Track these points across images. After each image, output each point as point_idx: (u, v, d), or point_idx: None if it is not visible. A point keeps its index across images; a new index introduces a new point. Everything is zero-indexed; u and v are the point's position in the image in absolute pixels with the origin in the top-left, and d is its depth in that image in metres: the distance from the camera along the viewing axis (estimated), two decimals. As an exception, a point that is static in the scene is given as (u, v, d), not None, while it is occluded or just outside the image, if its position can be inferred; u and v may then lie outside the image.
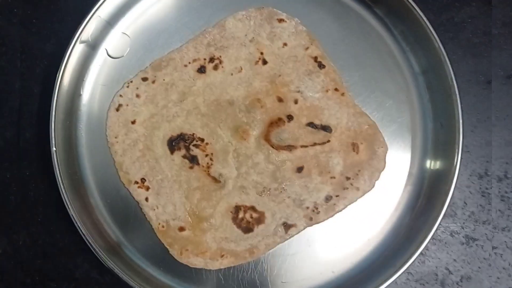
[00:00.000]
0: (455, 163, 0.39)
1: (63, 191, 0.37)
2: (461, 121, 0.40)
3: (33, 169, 0.40)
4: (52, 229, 0.40)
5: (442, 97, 0.42)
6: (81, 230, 0.36)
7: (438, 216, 0.39)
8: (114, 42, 0.42)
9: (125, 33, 0.42)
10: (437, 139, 0.42)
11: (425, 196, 0.42)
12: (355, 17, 0.44)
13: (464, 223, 0.45)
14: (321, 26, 0.43)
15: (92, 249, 0.36)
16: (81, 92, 0.41)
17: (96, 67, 0.42)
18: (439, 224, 0.39)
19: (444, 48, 0.41)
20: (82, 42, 0.40)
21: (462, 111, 0.40)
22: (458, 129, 0.40)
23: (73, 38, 0.39)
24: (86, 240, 0.36)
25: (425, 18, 0.41)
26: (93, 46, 0.41)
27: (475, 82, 0.46)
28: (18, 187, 0.41)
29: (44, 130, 0.38)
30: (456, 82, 0.40)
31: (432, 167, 0.42)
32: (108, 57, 0.42)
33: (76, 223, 0.36)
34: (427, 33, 0.41)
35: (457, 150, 0.40)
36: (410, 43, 0.43)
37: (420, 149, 0.43)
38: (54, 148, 0.37)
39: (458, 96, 0.40)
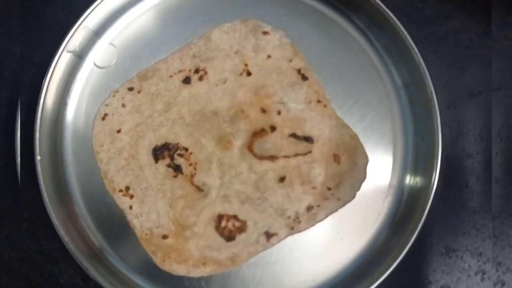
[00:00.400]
0: (433, 177, 0.40)
1: (46, 199, 0.37)
2: (440, 135, 0.41)
3: (20, 177, 0.41)
4: (39, 236, 0.41)
5: (422, 111, 0.43)
6: (64, 238, 0.37)
7: (416, 227, 0.40)
8: (101, 52, 0.42)
9: (112, 44, 0.43)
10: (418, 152, 0.43)
11: (405, 207, 0.43)
12: (338, 30, 0.44)
13: (444, 234, 0.45)
14: (305, 39, 0.44)
15: (74, 257, 0.37)
16: (67, 101, 0.42)
17: (83, 76, 0.42)
18: (418, 234, 0.40)
19: (425, 62, 0.42)
20: (69, 51, 0.41)
21: (441, 126, 0.41)
22: (437, 143, 0.41)
23: (60, 48, 0.39)
24: (69, 248, 0.37)
25: (405, 32, 0.41)
26: (80, 56, 0.42)
27: (457, 96, 0.47)
28: (4, 194, 0.42)
29: (30, 138, 0.39)
30: (436, 96, 0.41)
31: (411, 181, 0.43)
32: (95, 66, 0.42)
33: (59, 231, 0.37)
34: (408, 47, 0.42)
35: (435, 164, 0.41)
36: (392, 56, 0.44)
37: (401, 161, 0.44)
38: (39, 157, 0.38)
39: (437, 110, 0.41)
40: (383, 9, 0.41)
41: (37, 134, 0.38)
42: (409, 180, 0.43)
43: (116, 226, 0.41)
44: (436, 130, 0.41)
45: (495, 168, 0.46)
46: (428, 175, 0.41)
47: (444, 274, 0.45)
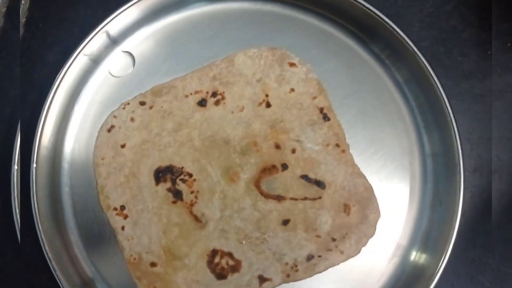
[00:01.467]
0: (445, 249, 0.37)
1: (36, 209, 0.35)
2: (460, 204, 0.38)
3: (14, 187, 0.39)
4: (20, 244, 0.39)
5: (446, 174, 0.40)
6: (46, 251, 0.35)
7: (420, 297, 0.38)
8: (117, 60, 0.40)
9: (130, 53, 0.40)
10: (433, 216, 0.40)
11: (411, 273, 0.40)
12: (371, 74, 0.42)
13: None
14: (334, 77, 0.41)
15: (55, 274, 0.35)
16: (75, 107, 0.40)
17: (95, 83, 0.40)
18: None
19: (457, 124, 0.39)
20: (85, 55, 0.39)
21: (464, 193, 0.38)
22: (457, 211, 0.38)
23: (77, 49, 0.37)
24: (53, 271, 0.35)
25: (440, 86, 0.38)
26: (95, 61, 0.40)
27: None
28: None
29: (32, 140, 0.37)
30: (463, 168, 0.38)
31: (420, 249, 0.40)
32: (109, 74, 0.40)
33: (44, 246, 0.35)
34: (441, 105, 0.39)
35: (451, 233, 0.38)
36: (426, 120, 0.41)
37: (414, 222, 0.41)
38: (35, 165, 0.36)
39: (462, 176, 0.38)
40: (425, 65, 0.38)
41: (37, 139, 0.36)
42: (416, 252, 0.40)
43: (104, 245, 0.39)
44: (458, 196, 0.38)
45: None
46: (440, 248, 0.38)
47: None
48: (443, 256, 0.37)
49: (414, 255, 0.40)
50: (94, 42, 0.38)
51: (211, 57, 0.41)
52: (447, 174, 0.40)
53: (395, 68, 0.41)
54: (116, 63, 0.40)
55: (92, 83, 0.40)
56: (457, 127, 0.38)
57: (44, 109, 0.36)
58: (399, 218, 0.41)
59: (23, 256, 0.39)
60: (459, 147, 0.38)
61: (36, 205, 0.36)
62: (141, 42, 0.41)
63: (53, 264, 0.36)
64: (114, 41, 0.40)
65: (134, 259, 0.38)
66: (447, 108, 0.38)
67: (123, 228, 0.39)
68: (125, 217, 0.39)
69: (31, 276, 0.39)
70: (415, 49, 0.39)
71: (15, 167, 0.36)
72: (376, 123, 0.41)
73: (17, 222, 0.37)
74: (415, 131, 0.41)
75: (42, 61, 0.40)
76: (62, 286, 0.35)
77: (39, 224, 0.36)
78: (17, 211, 0.37)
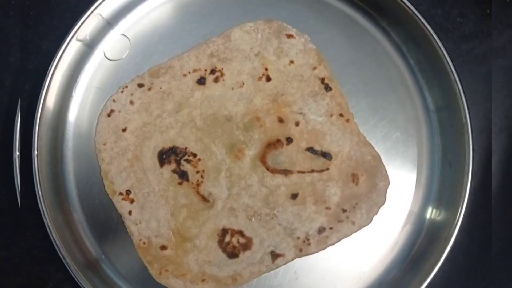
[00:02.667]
0: (459, 210, 0.37)
1: (41, 198, 0.35)
2: (471, 163, 0.37)
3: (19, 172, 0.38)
4: (28, 235, 0.38)
5: (453, 135, 0.39)
6: (55, 242, 0.35)
7: (436, 262, 0.37)
8: (112, 43, 0.40)
9: (125, 35, 0.40)
10: (444, 179, 0.40)
11: (425, 238, 0.39)
12: (370, 40, 0.41)
13: (465, 270, 0.42)
14: (332, 46, 0.41)
15: (66, 264, 0.35)
16: (73, 93, 0.39)
17: (91, 68, 0.39)
18: (438, 270, 0.37)
19: (461, 83, 0.38)
20: (79, 40, 0.38)
21: (473, 154, 0.37)
22: (467, 172, 0.37)
23: (69, 35, 0.37)
24: (60, 255, 0.34)
25: (443, 48, 0.38)
26: (90, 46, 0.39)
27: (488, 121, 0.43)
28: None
29: (30, 131, 0.36)
30: (471, 123, 0.37)
31: (434, 212, 0.40)
32: (105, 58, 0.39)
33: (51, 233, 0.34)
34: (444, 65, 0.38)
35: (463, 195, 0.37)
36: (426, 76, 0.41)
37: (425, 187, 0.40)
38: (36, 152, 0.35)
39: (470, 136, 0.38)
40: (422, 23, 0.38)
41: (37, 126, 0.35)
42: (431, 210, 0.40)
43: (112, 231, 0.38)
44: (468, 157, 0.37)
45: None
46: (453, 208, 0.37)
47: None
48: (457, 218, 0.37)
49: (427, 220, 0.40)
50: (87, 25, 0.37)
51: (207, 34, 0.40)
52: (454, 134, 0.39)
53: (394, 33, 0.41)
54: (111, 47, 0.40)
55: (88, 68, 0.39)
56: (460, 82, 0.37)
57: (41, 97, 0.36)
58: (409, 184, 0.40)
59: (31, 248, 0.38)
60: (465, 104, 0.37)
61: (41, 196, 0.35)
62: (135, 23, 0.40)
63: (63, 255, 0.35)
64: (107, 24, 0.39)
65: (144, 243, 0.38)
66: (448, 64, 0.37)
67: (130, 212, 0.38)
68: (132, 201, 0.38)
69: (39, 268, 0.38)
70: (414, 10, 0.38)
71: (17, 153, 0.35)
72: (378, 90, 0.41)
73: (23, 215, 0.37)
74: (417, 92, 0.41)
75: (36, 49, 0.39)
76: (72, 274, 0.35)
77: (46, 216, 0.35)
78: (20, 202, 0.36)
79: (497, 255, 0.41)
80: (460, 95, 0.38)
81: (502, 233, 0.42)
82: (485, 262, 0.41)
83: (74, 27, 0.37)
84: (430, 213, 0.40)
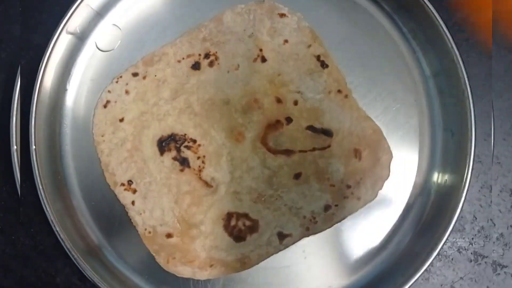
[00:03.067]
0: (465, 175, 0.36)
1: (42, 192, 0.34)
2: (473, 129, 0.37)
3: (16, 168, 0.38)
4: (33, 231, 0.38)
5: (453, 103, 0.39)
6: (59, 235, 0.34)
7: (445, 230, 0.36)
8: (104, 34, 0.39)
9: (116, 25, 0.39)
10: (447, 148, 0.39)
11: (432, 209, 0.39)
12: (362, 14, 0.41)
13: (472, 238, 0.42)
14: (326, 23, 0.40)
15: (71, 255, 0.34)
16: (67, 87, 0.39)
17: (84, 60, 0.39)
18: (446, 239, 0.37)
19: (458, 49, 0.38)
20: (69, 33, 0.37)
21: (475, 119, 0.37)
22: (470, 139, 0.37)
23: (59, 28, 0.36)
24: (65, 246, 0.34)
25: (437, 16, 0.37)
26: (81, 38, 0.39)
27: (487, 88, 0.42)
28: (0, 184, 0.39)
29: (27, 125, 0.36)
30: (470, 87, 0.37)
31: (440, 177, 0.39)
32: (98, 50, 0.39)
33: (55, 226, 0.34)
34: (439, 32, 0.38)
35: (468, 161, 0.37)
36: (420, 42, 0.40)
37: (428, 158, 0.40)
38: (34, 146, 0.35)
39: (471, 102, 0.37)
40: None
41: (33, 122, 0.35)
42: (436, 180, 0.39)
43: (116, 222, 0.38)
44: (470, 123, 0.37)
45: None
46: (459, 174, 0.37)
47: (473, 283, 0.41)
48: (463, 185, 0.36)
49: (433, 190, 0.39)
50: (77, 17, 0.37)
51: (199, 18, 0.39)
52: (454, 102, 0.38)
53: (384, 2, 0.40)
54: (103, 38, 0.39)
55: (81, 61, 0.39)
56: (457, 47, 0.37)
57: (35, 92, 0.35)
58: (413, 156, 0.40)
59: (36, 245, 0.38)
60: (463, 69, 0.37)
61: (42, 191, 0.35)
62: (125, 12, 0.40)
63: (69, 249, 0.35)
64: (97, 15, 0.38)
65: (149, 232, 0.38)
66: (443, 30, 0.37)
67: (133, 203, 0.38)
68: (134, 191, 0.38)
69: (46, 263, 0.38)
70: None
71: (14, 147, 0.35)
72: (375, 63, 0.40)
73: (26, 211, 0.37)
74: (413, 61, 0.40)
75: (27, 45, 0.39)
76: (80, 267, 0.35)
77: (49, 210, 0.35)
78: (22, 198, 0.36)
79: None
80: (458, 61, 0.37)
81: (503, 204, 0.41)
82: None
83: (63, 20, 0.36)
84: (436, 182, 0.39)
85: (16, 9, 0.39)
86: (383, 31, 0.41)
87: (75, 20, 0.37)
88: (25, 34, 0.38)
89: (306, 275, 0.38)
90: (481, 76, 0.43)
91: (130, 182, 0.38)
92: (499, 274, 0.41)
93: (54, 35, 0.36)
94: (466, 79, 0.37)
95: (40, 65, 0.35)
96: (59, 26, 0.36)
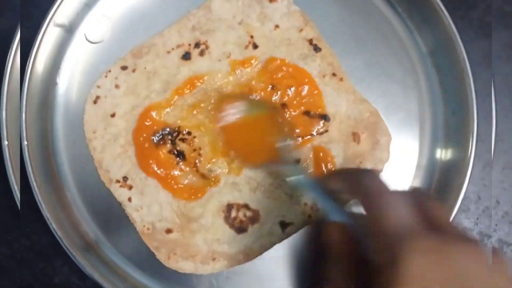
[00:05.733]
0: (469, 152, 0.36)
1: (36, 189, 0.34)
2: (475, 107, 0.36)
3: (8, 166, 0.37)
4: (28, 231, 0.37)
5: (453, 81, 0.38)
6: (56, 232, 0.33)
7: (450, 211, 0.36)
8: (93, 25, 0.38)
9: (105, 16, 0.38)
10: (448, 127, 0.39)
11: (436, 190, 0.38)
12: (355, -5, 0.40)
13: (478, 218, 0.41)
14: (318, 6, 0.39)
15: (69, 253, 0.33)
16: (57, 81, 0.38)
17: (73, 53, 0.38)
18: (452, 220, 0.36)
19: (455, 25, 0.37)
20: (57, 25, 0.36)
21: (476, 95, 0.36)
22: (472, 116, 0.36)
23: (46, 20, 0.35)
24: (62, 244, 0.33)
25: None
26: (70, 30, 0.38)
27: (486, 66, 0.42)
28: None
29: (18, 122, 0.35)
30: (470, 67, 0.36)
31: (442, 158, 0.39)
32: (87, 42, 0.38)
33: (51, 224, 0.33)
34: (435, 10, 0.37)
35: (471, 138, 0.36)
36: (416, 22, 0.39)
37: (430, 138, 0.39)
38: (26, 142, 0.34)
39: (471, 79, 0.36)
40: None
41: (23, 117, 0.34)
42: (439, 158, 0.39)
43: (114, 219, 0.37)
44: (471, 101, 0.36)
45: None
46: (462, 151, 0.36)
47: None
48: (466, 165, 0.36)
49: (435, 171, 0.38)
50: (65, 9, 0.36)
51: (189, 6, 0.39)
52: (454, 80, 0.38)
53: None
54: (92, 29, 0.38)
55: (70, 54, 0.38)
56: (454, 24, 0.36)
57: (24, 86, 0.35)
58: (414, 138, 0.39)
59: (33, 245, 0.37)
60: (462, 47, 0.36)
61: (36, 189, 0.34)
62: (114, 2, 0.38)
63: (67, 247, 0.34)
64: (85, 6, 0.37)
65: (148, 229, 0.37)
66: (438, 5, 0.36)
67: (130, 199, 0.37)
68: (130, 187, 0.37)
69: (44, 264, 0.37)
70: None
71: (5, 142, 0.34)
72: (371, 46, 0.39)
73: (21, 211, 0.36)
74: (410, 40, 0.39)
75: (15, 40, 0.38)
76: (79, 265, 0.34)
77: (44, 208, 0.34)
78: (19, 198, 0.35)
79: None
80: (456, 39, 0.36)
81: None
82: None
83: (50, 12, 0.35)
84: (438, 163, 0.39)
85: (2, 4, 0.38)
86: (378, 12, 0.40)
87: (63, 11, 0.36)
88: (12, 28, 0.37)
89: (312, 264, 0.37)
90: (478, 54, 0.42)
91: (125, 178, 0.37)
92: (505, 252, 0.40)
93: (42, 27, 0.35)
94: (465, 56, 0.36)
95: (29, 58, 0.34)
96: (46, 18, 0.35)
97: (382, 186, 0.27)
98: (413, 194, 0.27)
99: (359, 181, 0.28)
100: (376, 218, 0.25)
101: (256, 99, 0.37)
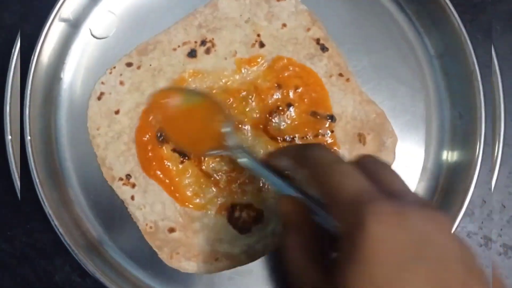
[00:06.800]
0: (476, 156, 0.35)
1: (38, 185, 0.33)
2: (483, 110, 0.36)
3: (11, 162, 0.37)
4: (30, 228, 0.37)
5: (461, 84, 0.38)
6: (58, 229, 0.33)
7: (456, 215, 0.35)
8: (98, 21, 0.38)
9: (111, 11, 0.38)
10: (455, 130, 0.38)
11: (441, 193, 0.38)
12: (365, -4, 0.39)
13: (482, 222, 0.41)
14: (326, 6, 0.39)
15: (71, 250, 0.33)
16: (62, 76, 0.37)
17: (78, 48, 0.38)
18: (456, 223, 0.36)
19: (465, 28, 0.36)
20: (62, 20, 0.36)
21: (484, 99, 0.36)
22: (480, 120, 0.36)
23: (51, 15, 0.35)
24: (65, 242, 0.33)
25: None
26: (75, 25, 0.37)
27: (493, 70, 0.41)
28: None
29: (21, 117, 0.34)
30: (479, 70, 0.36)
31: (449, 161, 0.38)
32: (92, 37, 0.38)
33: (53, 221, 0.33)
34: (445, 12, 0.37)
35: (478, 142, 0.36)
36: (425, 24, 0.39)
37: (436, 141, 0.39)
38: (29, 137, 0.33)
39: (480, 82, 0.36)
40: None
41: (27, 112, 0.34)
42: (445, 161, 0.38)
43: (117, 218, 0.36)
44: (479, 104, 0.36)
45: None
46: (469, 155, 0.36)
47: (483, 268, 0.40)
48: (472, 169, 0.35)
49: (441, 175, 0.38)
50: (69, 4, 0.36)
51: (196, 4, 0.38)
52: (461, 83, 0.37)
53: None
54: (97, 25, 0.38)
55: (75, 49, 0.38)
56: (464, 28, 0.36)
57: (28, 81, 0.34)
58: (420, 140, 0.39)
59: (34, 242, 0.37)
60: (471, 50, 0.36)
61: (39, 185, 0.33)
62: (120, -2, 0.38)
63: (69, 244, 0.33)
64: (91, 1, 0.37)
65: (150, 227, 0.36)
66: (450, 10, 0.36)
67: (132, 197, 0.36)
68: (133, 186, 0.37)
69: (45, 261, 0.37)
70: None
71: (9, 136, 0.33)
72: (379, 47, 0.39)
73: (22, 208, 0.35)
74: (419, 43, 0.39)
75: (20, 34, 0.37)
76: (81, 263, 0.33)
77: (47, 205, 0.33)
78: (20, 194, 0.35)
79: None
80: (466, 42, 0.36)
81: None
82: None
83: (56, 6, 0.35)
84: (444, 166, 0.38)
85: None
86: (386, 12, 0.39)
87: (68, 6, 0.36)
88: (18, 22, 0.37)
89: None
90: (486, 57, 0.42)
91: (128, 176, 0.37)
92: (510, 257, 0.40)
93: (47, 22, 0.35)
94: (474, 60, 0.36)
95: (33, 53, 0.34)
96: (52, 13, 0.35)
97: (331, 156, 0.27)
98: (367, 162, 0.27)
99: (307, 153, 0.28)
100: (330, 187, 0.24)
101: (190, 88, 0.37)
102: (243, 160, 0.33)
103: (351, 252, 0.22)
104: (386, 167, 0.27)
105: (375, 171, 0.26)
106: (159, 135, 0.37)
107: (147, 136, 0.36)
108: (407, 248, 0.21)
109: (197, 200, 0.37)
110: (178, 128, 0.35)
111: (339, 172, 0.25)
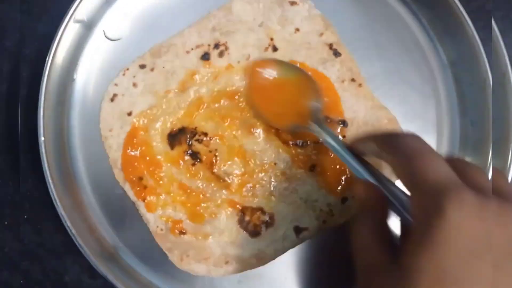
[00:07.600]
0: (487, 164, 0.35)
1: (51, 186, 0.33)
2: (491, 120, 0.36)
3: (21, 161, 0.37)
4: (40, 228, 0.37)
5: (473, 92, 0.38)
6: (71, 231, 0.33)
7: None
8: (112, 22, 0.38)
9: (124, 13, 0.38)
10: (466, 138, 0.38)
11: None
12: (377, 2, 0.39)
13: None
14: (339, 11, 0.39)
15: (83, 252, 0.33)
16: (75, 77, 0.37)
17: (92, 49, 0.38)
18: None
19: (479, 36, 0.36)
20: (77, 21, 0.36)
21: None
22: (491, 127, 0.36)
23: (66, 16, 0.35)
24: (77, 243, 0.33)
25: (458, 3, 0.36)
26: (89, 26, 0.37)
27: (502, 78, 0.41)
28: (4, 180, 0.38)
29: (34, 118, 0.34)
30: (493, 77, 0.36)
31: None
32: (106, 39, 0.38)
33: (66, 222, 0.33)
34: (458, 19, 0.37)
35: (489, 149, 0.36)
36: (438, 31, 0.39)
37: (447, 148, 0.39)
38: (43, 138, 0.33)
39: (491, 91, 0.36)
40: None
41: (41, 113, 0.34)
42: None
43: (128, 219, 0.36)
44: (491, 113, 0.36)
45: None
46: (479, 163, 0.36)
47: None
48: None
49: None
50: (84, 6, 0.36)
51: (210, 7, 0.38)
52: (474, 91, 0.37)
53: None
54: (111, 26, 0.38)
55: (88, 50, 0.38)
56: (478, 36, 0.36)
57: (43, 82, 0.34)
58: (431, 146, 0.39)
59: (44, 242, 0.37)
60: (485, 58, 0.36)
61: (52, 185, 0.34)
62: (134, 0, 0.38)
63: (80, 245, 0.34)
64: (105, 2, 0.37)
65: (161, 230, 0.36)
66: (464, 18, 0.36)
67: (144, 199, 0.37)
68: (144, 187, 0.37)
69: (55, 261, 0.37)
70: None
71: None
72: (392, 53, 0.39)
73: (31, 207, 0.35)
74: (432, 51, 0.39)
75: (32, 34, 0.37)
76: (92, 263, 0.33)
77: (60, 206, 0.34)
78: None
79: None
80: (480, 50, 0.36)
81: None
82: None
83: (71, 8, 0.35)
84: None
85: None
86: (400, 20, 0.39)
87: (83, 8, 0.36)
88: (29, 23, 0.37)
89: (324, 269, 0.37)
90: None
91: (140, 178, 0.37)
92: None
93: (62, 23, 0.35)
94: (488, 68, 0.36)
95: (48, 56, 0.34)
96: (67, 14, 0.35)
97: (425, 146, 0.27)
98: (456, 159, 0.27)
99: (400, 140, 0.28)
100: (416, 173, 0.25)
101: (288, 62, 0.37)
102: (326, 139, 0.33)
103: (425, 234, 0.22)
104: (478, 169, 0.27)
105: (466, 169, 0.26)
106: (172, 136, 0.37)
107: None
108: (482, 241, 0.21)
109: (208, 203, 0.37)
110: (267, 98, 0.36)
111: (430, 160, 0.25)
